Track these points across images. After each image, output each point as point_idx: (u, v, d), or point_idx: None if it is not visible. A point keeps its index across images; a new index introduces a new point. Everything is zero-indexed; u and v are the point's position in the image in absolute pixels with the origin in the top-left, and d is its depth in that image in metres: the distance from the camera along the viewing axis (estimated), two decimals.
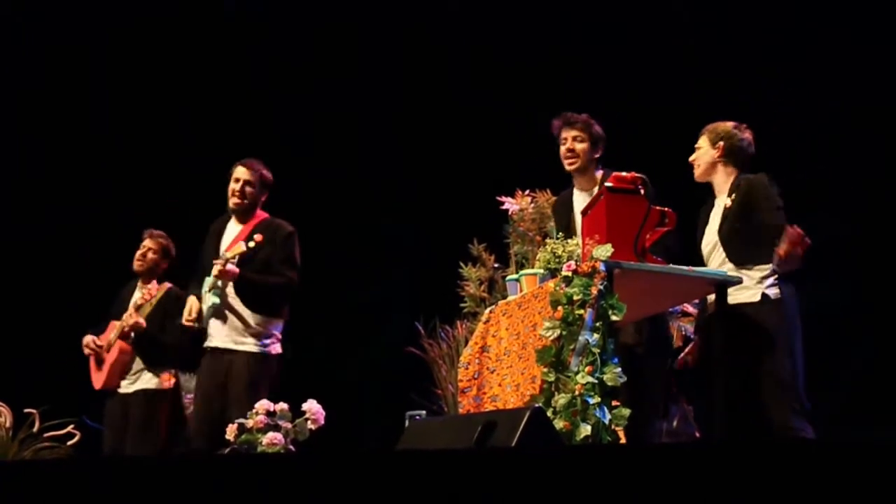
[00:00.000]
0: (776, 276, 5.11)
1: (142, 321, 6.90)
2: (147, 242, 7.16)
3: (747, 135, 5.40)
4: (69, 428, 7.11)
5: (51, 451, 7.13)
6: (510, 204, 6.42)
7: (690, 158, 5.46)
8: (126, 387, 6.98)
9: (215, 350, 6.24)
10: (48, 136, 9.62)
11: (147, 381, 6.94)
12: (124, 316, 6.95)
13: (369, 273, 9.37)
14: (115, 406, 7.01)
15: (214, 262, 6.16)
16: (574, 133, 5.75)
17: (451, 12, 9.25)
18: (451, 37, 9.31)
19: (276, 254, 6.22)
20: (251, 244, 6.09)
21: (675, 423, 7.65)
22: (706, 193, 5.53)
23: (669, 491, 2.94)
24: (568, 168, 5.79)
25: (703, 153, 5.40)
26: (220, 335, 6.22)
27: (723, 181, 5.36)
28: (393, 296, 9.15)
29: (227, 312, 6.20)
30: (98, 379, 7.07)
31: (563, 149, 5.78)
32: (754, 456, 3.02)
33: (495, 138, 8.70)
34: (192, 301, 6.29)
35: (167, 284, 7.12)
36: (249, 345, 6.19)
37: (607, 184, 4.99)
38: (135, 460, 5.08)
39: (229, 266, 6.09)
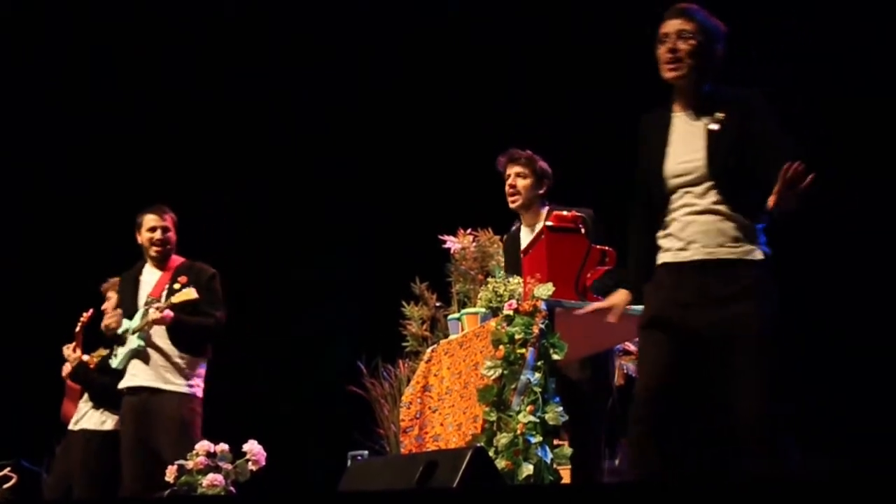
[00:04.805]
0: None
1: (77, 354, 6.81)
2: (110, 293, 7.05)
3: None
4: (6, 471, 7.02)
5: None
6: (452, 243, 6.42)
7: (674, 46, 4.04)
8: (72, 424, 6.91)
9: (139, 389, 6.20)
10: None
11: (90, 420, 6.84)
12: (66, 351, 6.87)
13: (311, 312, 9.34)
14: (63, 444, 6.96)
15: (153, 307, 6.17)
16: (517, 169, 5.76)
17: (397, 45, 9.29)
18: (395, 72, 9.35)
19: (203, 295, 6.23)
20: (176, 286, 6.16)
21: (617, 462, 7.67)
22: None
23: None
24: (511, 205, 5.80)
25: (694, 47, 4.02)
26: (144, 376, 6.20)
27: (696, 90, 4.09)
28: (335, 335, 9.13)
29: (152, 354, 6.20)
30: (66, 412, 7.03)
31: (506, 185, 5.80)
32: (698, 494, 3.03)
33: (438, 177, 8.73)
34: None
35: None
36: (181, 384, 6.18)
37: (548, 223, 5.01)
38: None
39: (167, 312, 6.10)
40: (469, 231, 6.56)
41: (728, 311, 3.87)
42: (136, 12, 9.40)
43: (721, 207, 3.95)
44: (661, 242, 4.08)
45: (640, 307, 4.21)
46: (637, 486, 3.60)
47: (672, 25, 4.03)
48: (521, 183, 5.75)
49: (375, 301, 7.56)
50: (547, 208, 5.74)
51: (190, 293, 6.12)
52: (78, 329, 6.91)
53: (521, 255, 5.50)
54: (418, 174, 8.90)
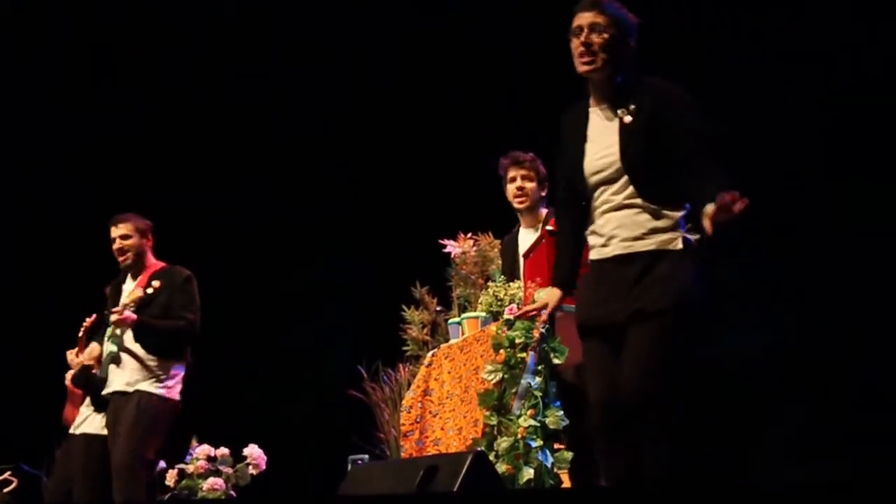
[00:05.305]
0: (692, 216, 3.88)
1: (79, 358, 6.83)
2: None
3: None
4: (6, 475, 7.01)
5: None
6: (452, 247, 6.42)
7: (587, 40, 3.97)
8: (73, 428, 6.91)
9: (114, 395, 6.22)
10: None
11: (91, 425, 6.83)
12: (70, 356, 6.89)
13: (311, 315, 9.33)
14: (64, 447, 6.96)
15: (111, 311, 6.20)
16: (523, 172, 5.78)
17: (397, 45, 9.28)
18: (395, 72, 9.34)
19: (175, 298, 6.24)
20: (149, 290, 6.18)
21: None
22: None
23: None
24: (518, 206, 5.80)
25: (607, 40, 3.95)
26: (118, 380, 6.21)
27: (609, 83, 3.99)
28: (335, 339, 9.12)
29: (125, 358, 6.20)
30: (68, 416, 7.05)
31: (512, 187, 5.79)
32: (696, 497, 3.03)
33: (438, 180, 8.72)
34: (93, 345, 6.39)
35: None
36: (146, 384, 6.16)
37: (548, 227, 5.01)
38: None
39: (126, 313, 6.10)
40: (469, 235, 6.56)
41: (639, 301, 3.78)
42: (136, 12, 9.39)
43: (637, 200, 3.87)
44: (589, 239, 4.02)
45: None
46: (637, 489, 3.59)
47: (584, 18, 3.97)
48: (529, 185, 5.77)
49: (376, 305, 7.55)
50: (546, 210, 5.76)
51: (134, 293, 6.14)
52: (81, 334, 6.91)
53: (521, 258, 5.50)
54: (418, 177, 8.88)
